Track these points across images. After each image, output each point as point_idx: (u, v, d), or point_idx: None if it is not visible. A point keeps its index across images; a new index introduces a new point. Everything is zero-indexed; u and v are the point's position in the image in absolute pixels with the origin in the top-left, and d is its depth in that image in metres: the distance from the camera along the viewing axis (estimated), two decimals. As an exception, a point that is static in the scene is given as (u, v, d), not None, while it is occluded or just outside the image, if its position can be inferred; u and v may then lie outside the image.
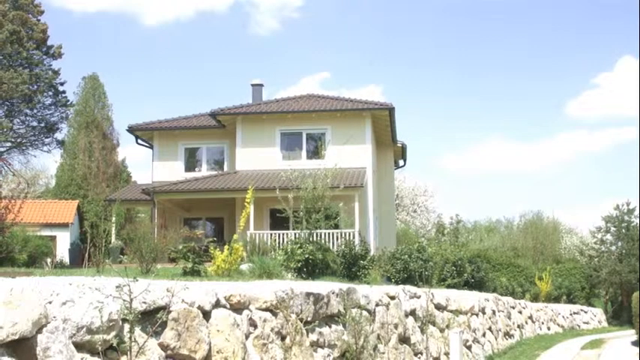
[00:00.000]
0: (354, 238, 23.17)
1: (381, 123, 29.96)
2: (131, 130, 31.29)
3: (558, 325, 35.19)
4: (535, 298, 35.82)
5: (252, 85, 33.61)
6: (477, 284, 23.11)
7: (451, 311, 16.51)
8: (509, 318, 24.76)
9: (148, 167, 32.26)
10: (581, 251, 55.22)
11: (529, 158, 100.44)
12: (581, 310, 41.96)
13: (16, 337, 4.27)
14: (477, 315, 18.98)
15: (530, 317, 29.27)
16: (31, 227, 27.90)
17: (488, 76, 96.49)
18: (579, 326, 39.09)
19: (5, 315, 4.25)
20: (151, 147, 31.86)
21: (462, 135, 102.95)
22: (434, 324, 14.81)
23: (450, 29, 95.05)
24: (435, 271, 19.96)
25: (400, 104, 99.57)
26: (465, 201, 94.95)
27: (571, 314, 39.10)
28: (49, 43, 28.57)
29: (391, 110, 28.77)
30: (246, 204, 16.58)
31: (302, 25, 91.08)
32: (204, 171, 30.79)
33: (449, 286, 20.23)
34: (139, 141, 32.25)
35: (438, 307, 15.69)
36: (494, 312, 21.87)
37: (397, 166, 37.07)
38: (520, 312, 27.55)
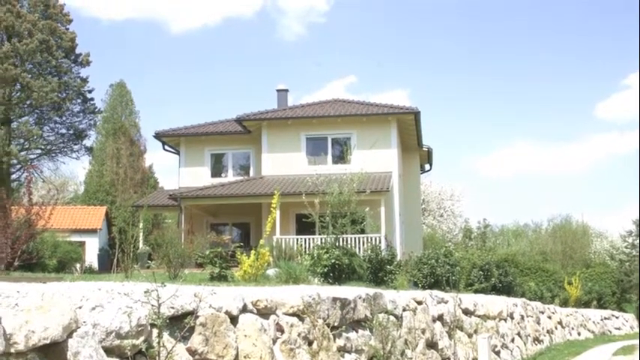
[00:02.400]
0: (380, 242, 23.13)
1: (407, 127, 29.88)
2: (158, 136, 31.54)
3: (589, 330, 34.74)
4: (564, 303, 35.41)
5: (278, 90, 33.74)
6: (504, 289, 22.91)
7: (479, 316, 16.39)
8: (539, 323, 24.51)
9: (175, 173, 32.52)
10: (612, 255, 54.50)
11: (557, 161, 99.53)
12: (612, 315, 41.39)
13: (48, 342, 4.33)
14: (505, 320, 18.82)
15: (560, 322, 28.94)
16: (60, 233, 28.20)
17: (516, 79, 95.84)
18: (610, 332, 38.54)
19: (37, 320, 4.31)
20: (178, 153, 32.09)
21: (489, 138, 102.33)
22: (462, 329, 14.71)
23: (476, 33, 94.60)
24: (462, 276, 19.83)
25: (426, 108, 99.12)
26: (492, 205, 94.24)
27: (602, 319, 38.58)
28: (77, 51, 28.90)
29: (417, 114, 28.70)
30: (272, 209, 16.61)
31: (328, 29, 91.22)
32: (230, 176, 30.92)
33: (476, 291, 20.09)
34: (166, 147, 32.50)
35: (466, 312, 15.59)
36: (522, 317, 21.67)
37: (423, 171, 36.93)
38: (549, 317, 27.26)
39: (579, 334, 32.34)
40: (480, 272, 21.64)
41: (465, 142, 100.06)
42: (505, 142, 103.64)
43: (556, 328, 27.87)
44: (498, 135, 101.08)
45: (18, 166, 27.80)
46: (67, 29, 28.66)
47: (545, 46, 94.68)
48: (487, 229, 62.67)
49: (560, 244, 57.87)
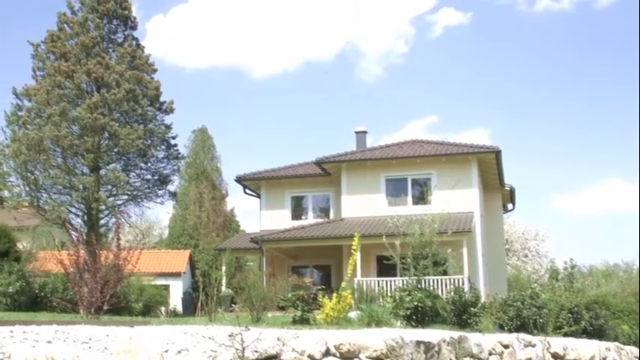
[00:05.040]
0: (463, 284, 22.72)
1: (488, 166, 29.45)
2: (239, 180, 32.10)
3: (688, 376, 32.88)
4: (661, 347, 33.68)
5: (356, 132, 33.91)
6: (596, 332, 21.98)
7: (569, 361, 15.78)
8: (633, 368, 23.39)
9: (256, 216, 32.94)
10: None
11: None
12: None
13: (135, 385, 4.39)
14: (597, 365, 18.03)
15: (656, 367, 27.52)
16: (146, 277, 28.88)
17: (604, 114, 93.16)
18: None
19: (125, 363, 4.39)
20: (259, 196, 32.53)
21: (575, 176, 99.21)
22: (551, 374, 14.20)
23: (561, 71, 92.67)
24: (550, 319, 19.17)
25: (508, 146, 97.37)
26: (580, 244, 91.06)
27: (702, 364, 36.49)
28: (161, 99, 29.85)
29: (498, 153, 28.27)
30: (352, 251, 16.57)
31: (407, 70, 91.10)
32: (310, 219, 31.08)
33: (566, 334, 19.38)
34: (247, 191, 33.01)
35: (555, 356, 15.05)
36: (616, 362, 20.72)
37: (506, 210, 36.19)
38: (644, 362, 25.98)
39: (678, 380, 30.65)
40: (569, 314, 20.86)
41: (550, 180, 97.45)
42: (592, 180, 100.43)
43: (653, 373, 26.51)
44: (585, 173, 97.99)
45: (106, 212, 28.69)
46: (152, 78, 29.65)
47: (631, 82, 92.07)
48: (574, 269, 60.44)
49: (654, 284, 55.31)
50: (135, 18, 30.15)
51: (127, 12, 29.65)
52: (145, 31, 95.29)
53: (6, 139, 28.23)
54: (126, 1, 29.68)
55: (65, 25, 28.84)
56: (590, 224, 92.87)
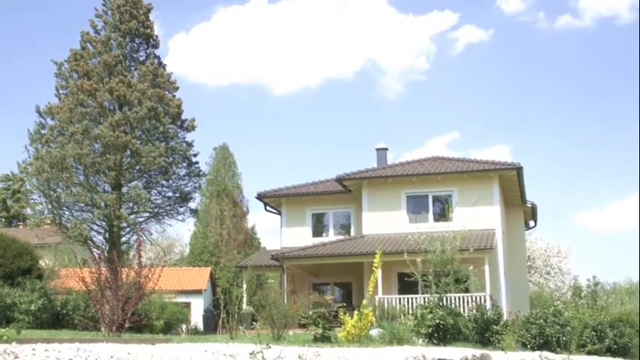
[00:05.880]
0: (485, 302, 22.53)
1: (509, 183, 29.28)
2: (260, 197, 32.13)
3: None
4: (687, 366, 33.12)
5: (377, 149, 33.87)
6: (620, 351, 21.68)
7: (594, 380, 15.57)
8: (659, 387, 22.99)
9: (277, 233, 32.94)
10: None
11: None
12: None
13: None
14: (622, 384, 17.78)
15: (683, 387, 27.05)
16: (167, 294, 28.96)
17: (625, 130, 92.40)
18: None
19: (146, 381, 4.38)
20: (279, 213, 32.52)
21: (598, 192, 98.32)
22: (576, 393, 14.00)
23: (584, 88, 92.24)
24: (573, 337, 18.96)
25: (530, 162, 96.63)
26: (603, 261, 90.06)
27: None
28: (182, 117, 30.04)
29: (519, 170, 28.12)
30: (374, 268, 16.51)
31: (428, 87, 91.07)
32: (331, 236, 31.01)
33: (589, 353, 19.14)
34: (268, 208, 33.02)
35: (580, 375, 14.85)
36: (641, 381, 20.41)
37: (528, 227, 35.90)
38: (671, 381, 25.54)
39: None
40: (593, 333, 20.63)
41: (572, 196, 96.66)
42: (615, 196, 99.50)
43: (679, 393, 26.05)
44: (607, 189, 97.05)
45: (127, 229, 28.84)
46: (174, 96, 29.88)
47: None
48: (597, 286, 59.72)
49: (680, 302, 54.48)
50: (157, 36, 30.51)
51: (149, 31, 30.00)
52: (167, 50, 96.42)
53: (29, 157, 28.61)
54: (148, 20, 30.03)
55: (88, 44, 29.20)
56: (613, 241, 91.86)
